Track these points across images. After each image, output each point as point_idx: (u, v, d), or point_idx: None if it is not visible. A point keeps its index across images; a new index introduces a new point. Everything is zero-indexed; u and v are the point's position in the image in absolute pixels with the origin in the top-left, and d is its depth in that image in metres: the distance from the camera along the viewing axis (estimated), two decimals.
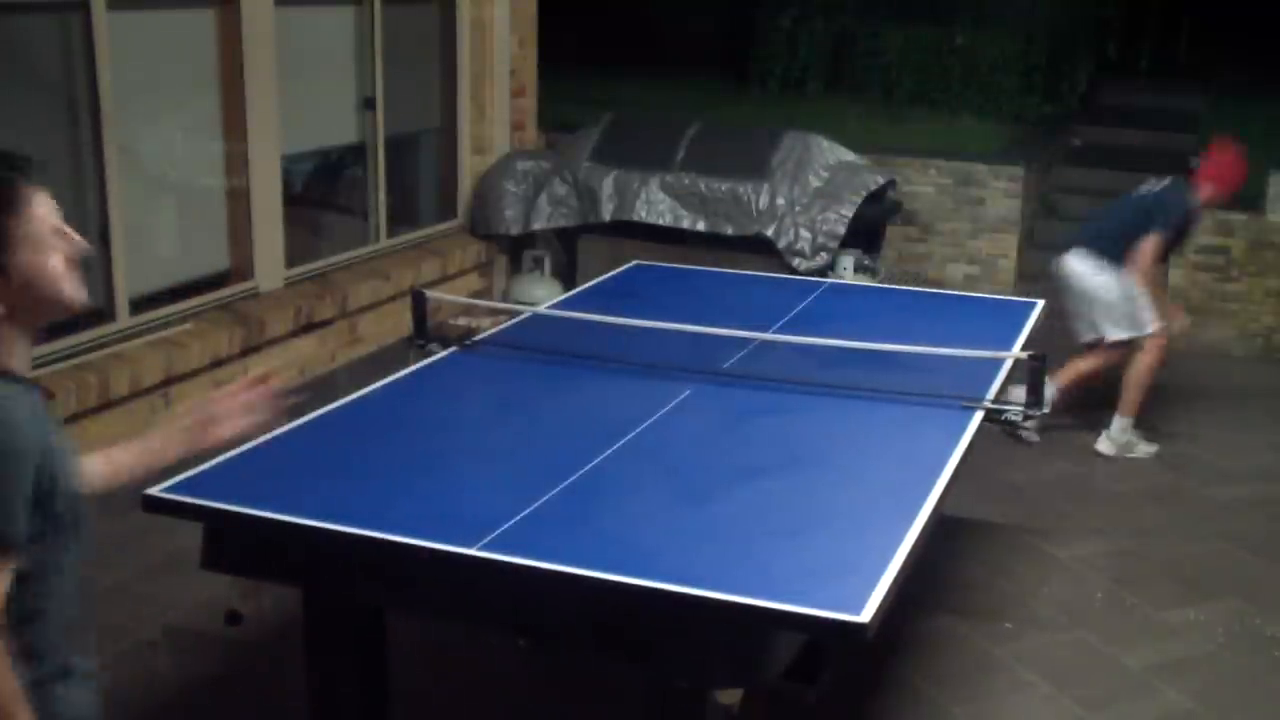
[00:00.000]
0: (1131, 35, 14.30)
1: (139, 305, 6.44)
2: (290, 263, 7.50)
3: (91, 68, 6.05)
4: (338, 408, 4.13)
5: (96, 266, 6.23)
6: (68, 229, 2.32)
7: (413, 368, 4.60)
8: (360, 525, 3.18)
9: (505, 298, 9.01)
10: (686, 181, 8.53)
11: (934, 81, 12.39)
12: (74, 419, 5.69)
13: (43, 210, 2.27)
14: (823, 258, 8.18)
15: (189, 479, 3.37)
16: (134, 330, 6.35)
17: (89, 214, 6.18)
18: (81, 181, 6.14)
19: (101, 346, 6.14)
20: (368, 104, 8.26)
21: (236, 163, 7.12)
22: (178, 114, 6.90)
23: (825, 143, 8.67)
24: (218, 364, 6.63)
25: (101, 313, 6.26)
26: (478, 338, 4.99)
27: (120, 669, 4.51)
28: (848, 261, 8.27)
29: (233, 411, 3.02)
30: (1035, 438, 6.84)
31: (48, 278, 2.28)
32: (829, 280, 6.72)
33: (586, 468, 3.62)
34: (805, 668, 2.99)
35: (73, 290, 2.33)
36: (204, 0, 6.88)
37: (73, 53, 6.07)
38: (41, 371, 5.68)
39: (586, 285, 6.05)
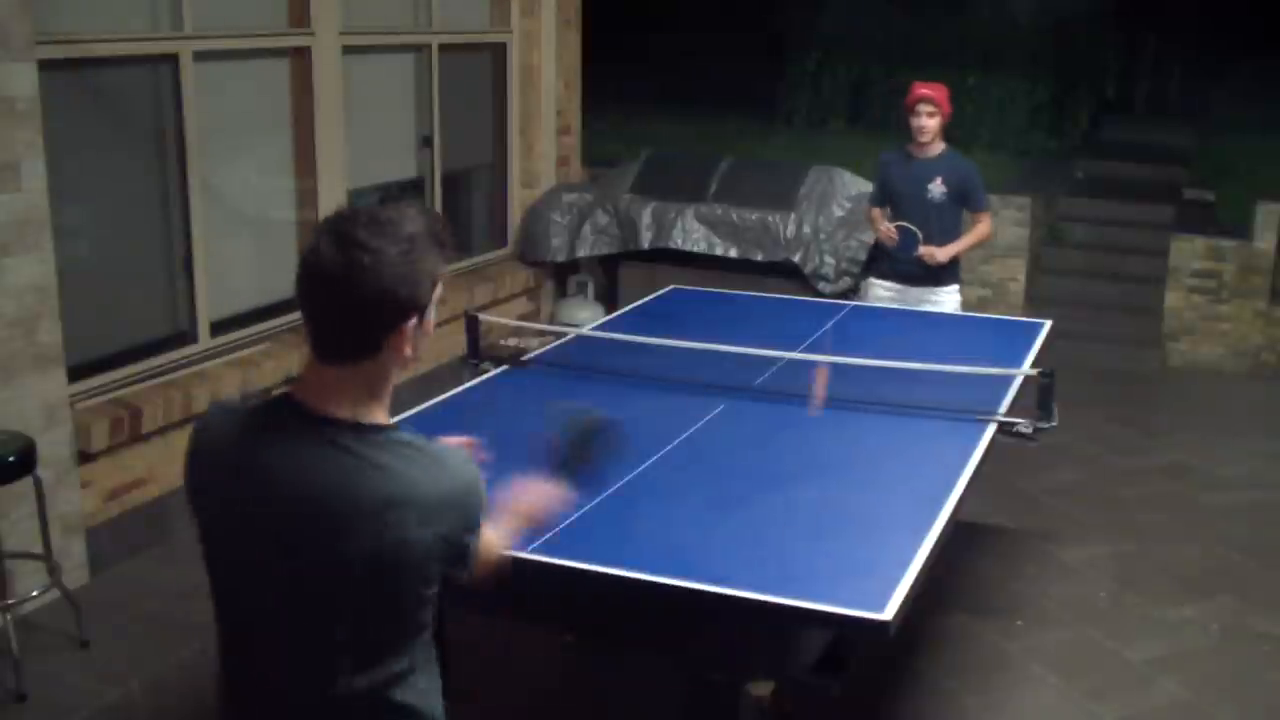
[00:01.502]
0: (1128, 76, 14.27)
1: (219, 328, 6.47)
2: None
3: (179, 113, 6.09)
4: (398, 421, 4.12)
5: (181, 292, 6.28)
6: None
7: (467, 385, 4.61)
8: None
9: (552, 320, 9.01)
10: (719, 212, 8.52)
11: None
12: (160, 432, 5.72)
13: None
14: (846, 282, 8.15)
15: None
16: (214, 351, 6.37)
17: (174, 245, 6.22)
18: (168, 215, 6.19)
19: (185, 366, 6.16)
20: (426, 142, 8.29)
21: (307, 197, 7.15)
22: (255, 153, 6.94)
23: (847, 175, 8.64)
24: (290, 382, 6.65)
25: (185, 335, 6.30)
26: (527, 357, 5.00)
27: (200, 667, 4.52)
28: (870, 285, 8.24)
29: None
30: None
31: (425, 346, 2.18)
32: (851, 303, 6.70)
33: (629, 477, 3.61)
34: (831, 661, 2.98)
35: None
36: (279, 50, 6.92)
37: (163, 100, 6.12)
38: (131, 389, 5.72)
39: (627, 308, 6.04)
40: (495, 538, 2.35)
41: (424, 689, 2.23)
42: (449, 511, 2.09)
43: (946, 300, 6.51)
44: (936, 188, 6.36)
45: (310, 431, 2.08)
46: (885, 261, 6.64)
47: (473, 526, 2.15)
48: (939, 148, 6.43)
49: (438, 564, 2.10)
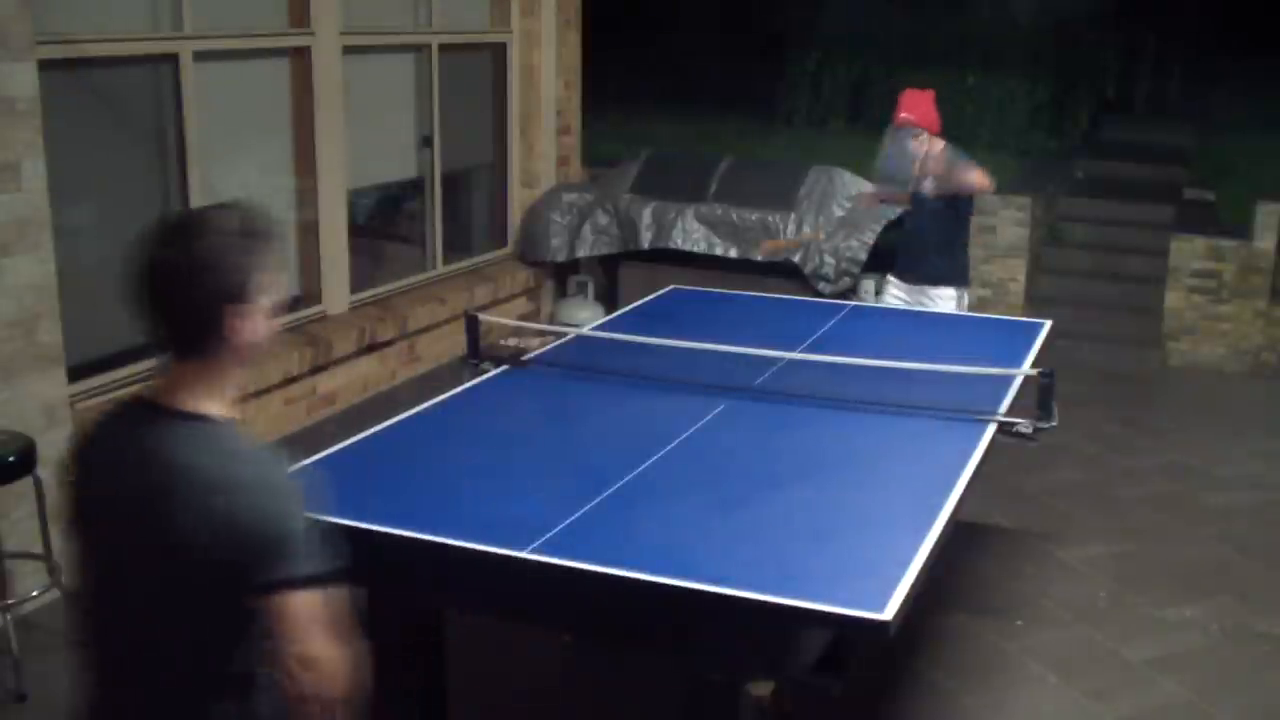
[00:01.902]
0: (1128, 76, 14.27)
1: None
2: (355, 288, 7.54)
3: (179, 113, 6.10)
4: (398, 421, 4.13)
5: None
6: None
7: (467, 385, 4.60)
8: (420, 530, 3.18)
9: (552, 320, 9.02)
10: (719, 212, 8.52)
11: (947, 119, 12.30)
12: None
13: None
14: (845, 282, 8.16)
15: None
16: None
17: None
18: (168, 214, 6.19)
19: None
20: (426, 142, 8.30)
21: (307, 197, 7.16)
22: (255, 153, 6.94)
23: (847, 175, 8.65)
24: (289, 381, 6.66)
25: None
26: (527, 357, 5.00)
27: None
28: (869, 285, 8.25)
29: None
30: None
31: (271, 326, 2.26)
32: (851, 303, 6.69)
33: (629, 477, 3.61)
34: (831, 661, 2.97)
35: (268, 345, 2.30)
36: (279, 50, 6.92)
37: (163, 100, 6.12)
38: (134, 389, 5.72)
39: (627, 308, 6.04)
40: (322, 615, 2.16)
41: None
42: (244, 512, 2.10)
43: (948, 303, 6.49)
44: (928, 184, 6.39)
45: (148, 424, 2.20)
46: (901, 263, 6.66)
47: (273, 549, 2.10)
48: (938, 146, 6.45)
49: (226, 574, 2.11)
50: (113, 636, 2.27)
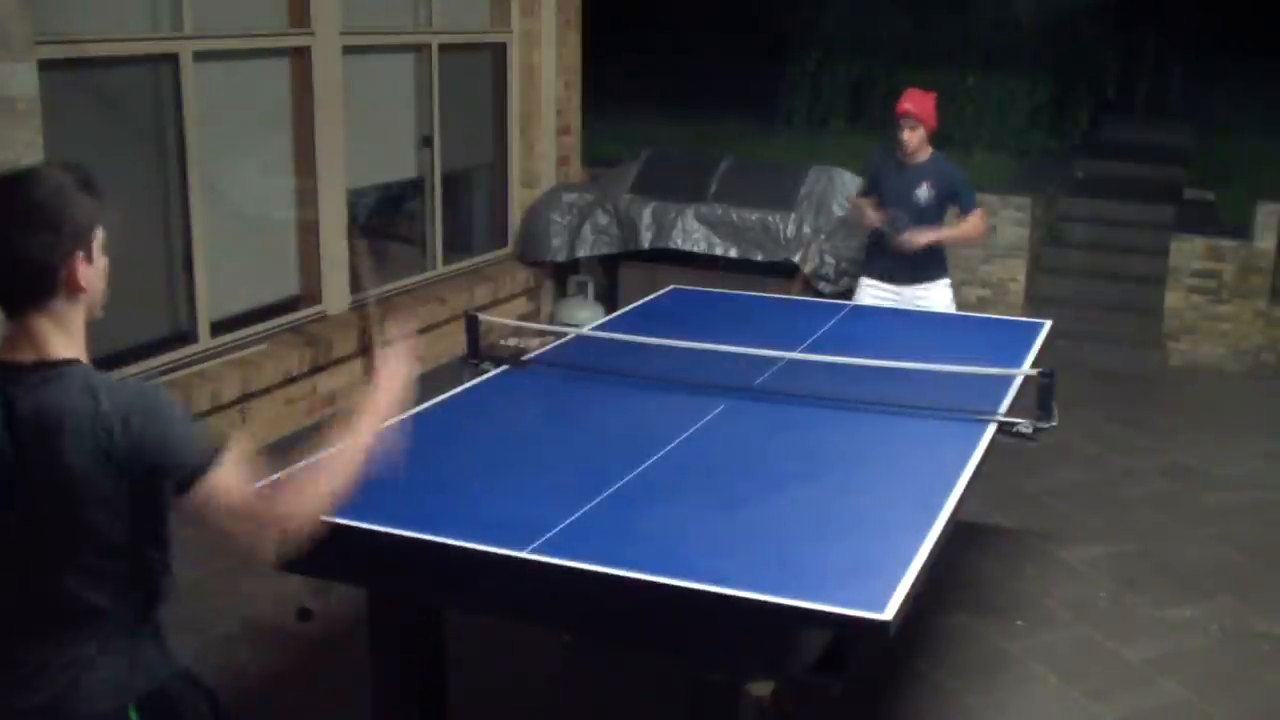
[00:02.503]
0: (1128, 76, 14.27)
1: (219, 328, 6.47)
2: (355, 288, 7.53)
3: (179, 113, 6.10)
4: (399, 421, 4.13)
5: (180, 292, 6.28)
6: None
7: (467, 385, 4.60)
8: (420, 530, 3.18)
9: (552, 320, 9.01)
10: (719, 212, 8.52)
11: (947, 119, 12.32)
12: None
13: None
14: (846, 282, 8.15)
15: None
16: (214, 351, 6.38)
17: (174, 245, 6.23)
18: (168, 215, 6.19)
19: (185, 365, 6.17)
20: (426, 142, 8.30)
21: (307, 197, 7.16)
22: (254, 153, 6.94)
23: (847, 175, 8.65)
24: (290, 381, 6.66)
25: (185, 335, 6.30)
26: (527, 357, 4.99)
27: (205, 658, 4.52)
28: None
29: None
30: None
31: (103, 280, 2.32)
32: (851, 303, 6.70)
33: (629, 477, 3.61)
34: (831, 661, 2.97)
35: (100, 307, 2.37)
36: (279, 50, 6.92)
37: (163, 100, 6.12)
38: None
39: (627, 308, 6.04)
40: (241, 475, 2.31)
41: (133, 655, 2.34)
42: (146, 430, 2.19)
43: (937, 296, 6.60)
44: (924, 192, 6.47)
45: (12, 383, 2.22)
46: (876, 262, 6.71)
47: (182, 450, 2.23)
48: (926, 153, 6.54)
49: (142, 491, 2.22)
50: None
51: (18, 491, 2.19)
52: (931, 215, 6.52)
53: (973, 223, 6.62)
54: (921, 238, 6.41)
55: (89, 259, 2.24)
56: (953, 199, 6.58)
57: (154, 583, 2.34)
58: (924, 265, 6.54)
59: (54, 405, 2.17)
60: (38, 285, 2.21)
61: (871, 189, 6.76)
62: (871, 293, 6.67)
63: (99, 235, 2.27)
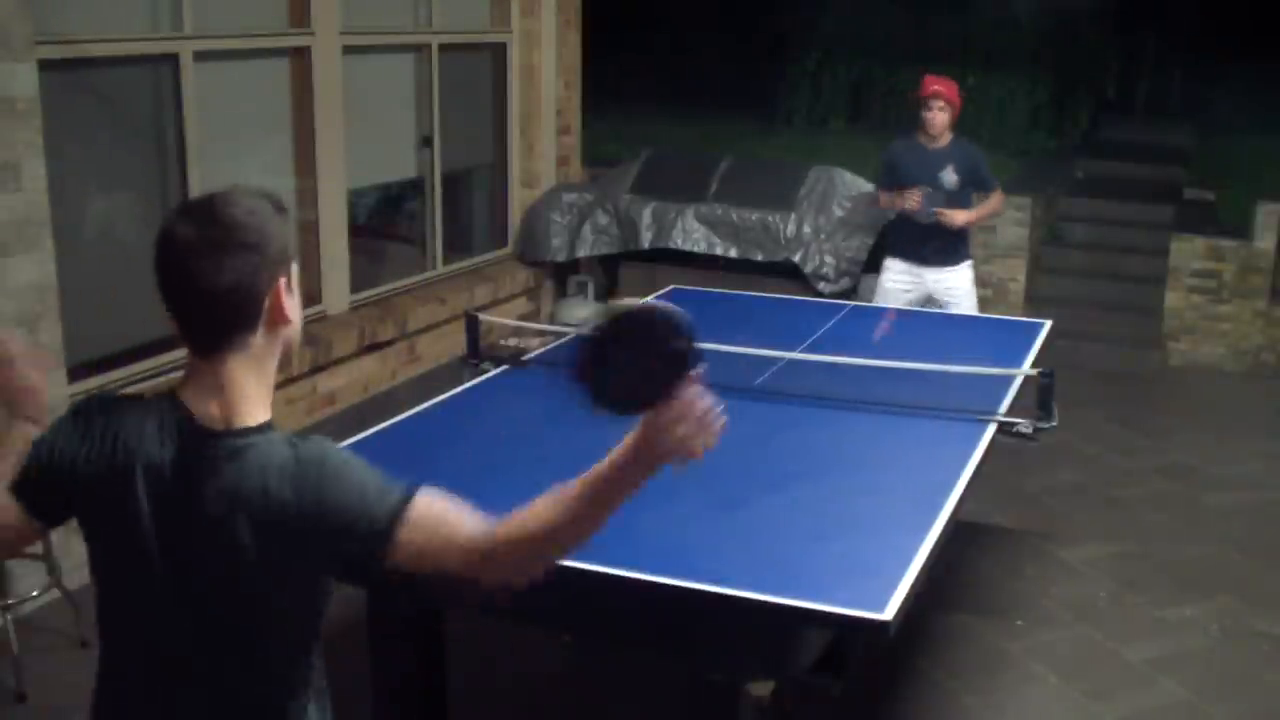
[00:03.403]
0: (1128, 76, 14.28)
1: None
2: (355, 288, 7.53)
3: (179, 113, 6.10)
4: (399, 421, 4.13)
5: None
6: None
7: (467, 385, 4.60)
8: None
9: (552, 320, 9.02)
10: (719, 212, 8.52)
11: None
12: None
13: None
14: (846, 282, 8.16)
15: None
16: None
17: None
18: (168, 214, 6.19)
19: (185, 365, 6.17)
20: (426, 142, 8.30)
21: (307, 197, 7.16)
22: (255, 153, 6.94)
23: (848, 175, 8.65)
24: (289, 381, 6.66)
25: None
26: (527, 357, 5.00)
27: None
28: (870, 285, 8.24)
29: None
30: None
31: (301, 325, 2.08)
32: (852, 303, 6.70)
33: None
34: (831, 661, 2.98)
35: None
36: (279, 50, 6.92)
37: (163, 100, 6.12)
38: (138, 387, 5.72)
39: None
40: (461, 513, 2.06)
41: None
42: (326, 501, 1.95)
43: (961, 278, 6.79)
44: (949, 175, 6.64)
45: (197, 453, 1.98)
46: (902, 245, 6.86)
47: (344, 500, 1.95)
48: (948, 137, 6.71)
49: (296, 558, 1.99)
50: (168, 637, 2.08)
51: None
52: (957, 198, 6.69)
53: (995, 200, 6.93)
54: (959, 218, 6.62)
55: (290, 288, 2.00)
56: (976, 179, 6.78)
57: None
58: (950, 247, 6.75)
59: (232, 488, 1.94)
60: (239, 316, 1.95)
61: (892, 180, 6.84)
62: (893, 276, 6.87)
63: (295, 266, 2.02)
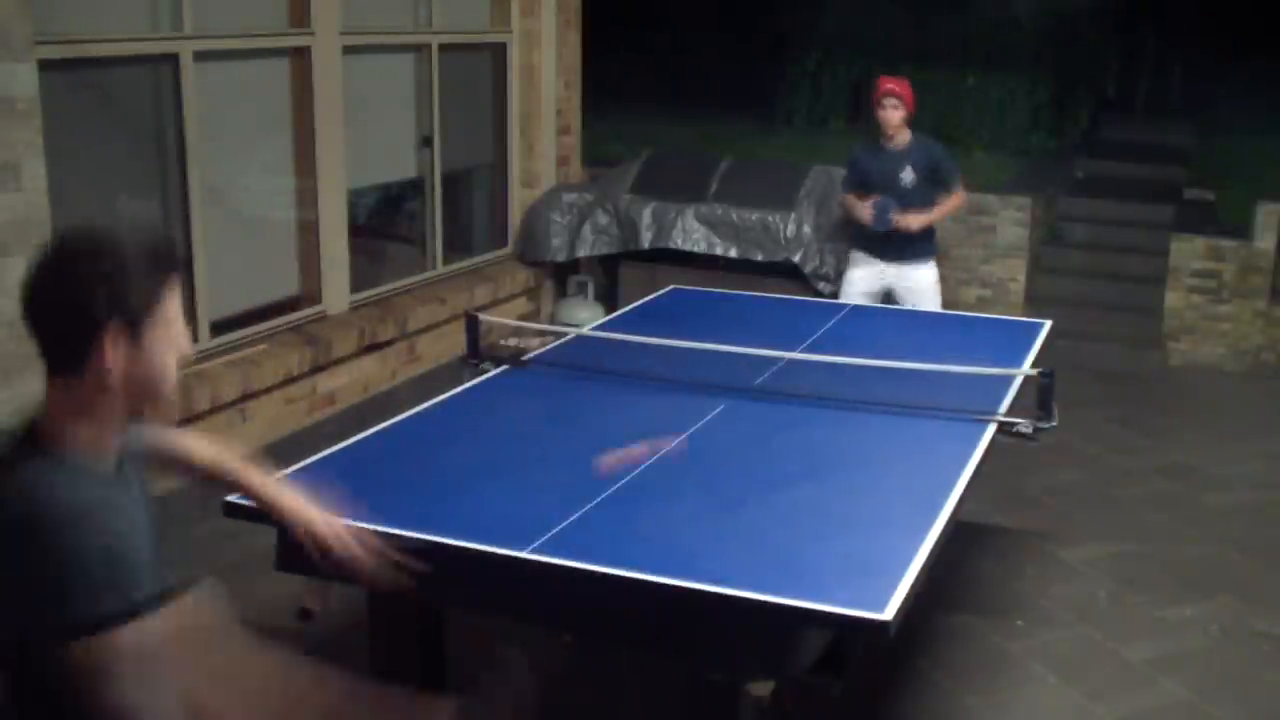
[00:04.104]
0: (1128, 76, 14.28)
1: (218, 328, 6.47)
2: (355, 288, 7.53)
3: (179, 112, 6.10)
4: (399, 422, 4.13)
5: (180, 292, 6.27)
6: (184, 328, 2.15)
7: (467, 385, 4.60)
8: (420, 529, 3.18)
9: (552, 320, 9.01)
10: (719, 212, 8.52)
11: (947, 119, 12.37)
12: None
13: (178, 301, 2.11)
14: None
15: None
16: (214, 351, 6.37)
17: (174, 244, 6.22)
18: (168, 214, 6.19)
19: (184, 366, 6.16)
20: (426, 142, 8.29)
21: (307, 197, 7.16)
22: (254, 153, 6.94)
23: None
24: (289, 381, 6.65)
25: None
26: (527, 357, 5.00)
27: None
28: None
29: (333, 540, 2.80)
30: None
31: (165, 363, 2.10)
32: (851, 303, 6.70)
33: (629, 477, 3.61)
34: (831, 661, 2.98)
35: (170, 389, 2.15)
36: (279, 50, 6.92)
37: (163, 100, 6.12)
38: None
39: (627, 308, 6.04)
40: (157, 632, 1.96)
41: None
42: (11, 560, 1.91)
43: (923, 275, 6.97)
44: (908, 175, 6.83)
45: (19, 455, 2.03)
46: (863, 240, 7.06)
47: (40, 599, 1.89)
48: (906, 136, 6.89)
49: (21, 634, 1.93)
50: None
51: None
52: (917, 197, 6.84)
53: (954, 200, 7.01)
54: (914, 223, 6.76)
55: (118, 338, 2.04)
56: (937, 176, 6.90)
57: None
58: (912, 245, 6.90)
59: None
60: (53, 350, 2.07)
61: (854, 182, 7.07)
62: (857, 270, 7.09)
63: (148, 314, 2.07)
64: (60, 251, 2.03)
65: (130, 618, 1.92)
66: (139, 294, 2.03)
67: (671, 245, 8.53)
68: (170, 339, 2.09)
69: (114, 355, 2.01)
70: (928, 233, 6.96)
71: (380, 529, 3.17)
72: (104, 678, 1.86)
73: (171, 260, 2.11)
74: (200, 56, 6.16)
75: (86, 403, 2.05)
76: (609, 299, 8.95)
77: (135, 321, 2.03)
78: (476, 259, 8.87)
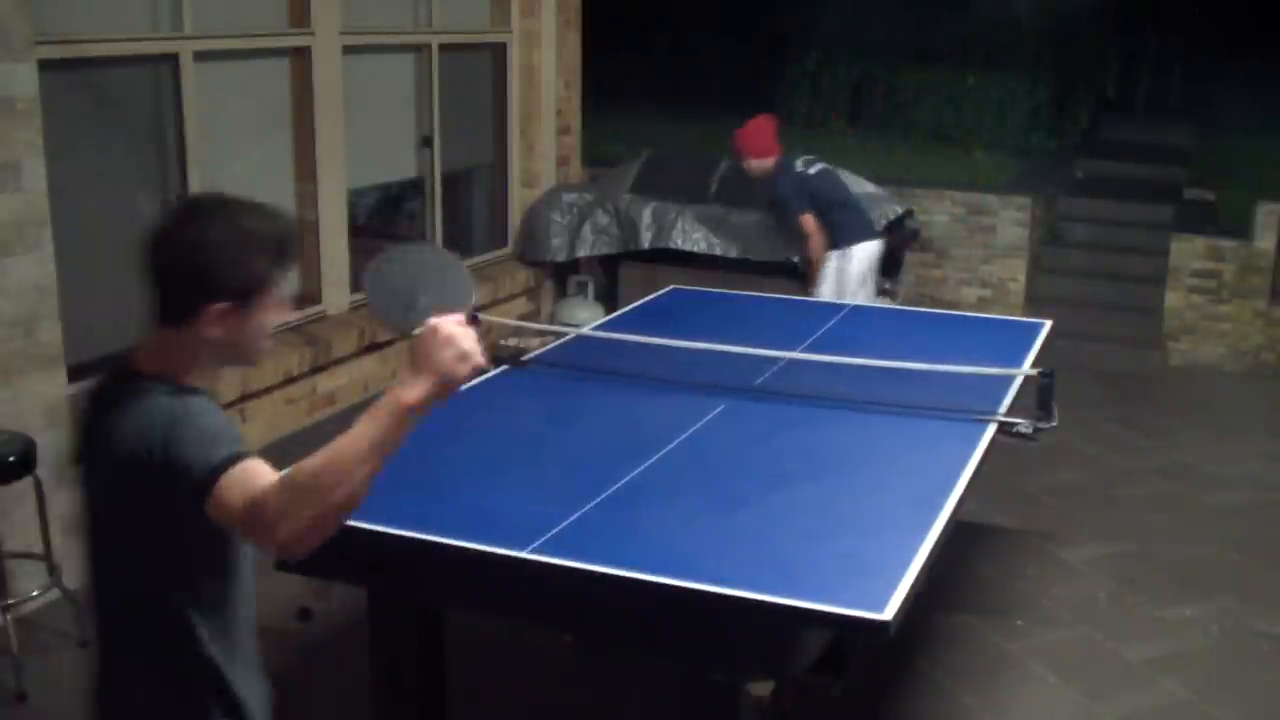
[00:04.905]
0: (1128, 76, 14.27)
1: None
2: (355, 288, 7.53)
3: (179, 112, 6.10)
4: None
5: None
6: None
7: (467, 385, 4.59)
8: (420, 530, 3.18)
9: (552, 320, 9.01)
10: (719, 212, 8.52)
11: (948, 119, 12.37)
12: None
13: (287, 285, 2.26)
14: None
15: None
16: None
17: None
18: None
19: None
20: (426, 142, 8.29)
21: (307, 197, 7.16)
22: (255, 153, 6.94)
23: (848, 175, 8.64)
24: (289, 381, 6.65)
25: None
26: (527, 357, 5.00)
27: None
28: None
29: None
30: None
31: (263, 334, 2.25)
32: (852, 303, 6.69)
33: (629, 476, 3.61)
34: (831, 661, 2.98)
35: (261, 359, 2.33)
36: (279, 50, 6.92)
37: (163, 100, 6.12)
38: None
39: (627, 308, 6.04)
40: (262, 471, 2.10)
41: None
42: (147, 439, 2.09)
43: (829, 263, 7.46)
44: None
45: (125, 388, 2.17)
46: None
47: (178, 449, 2.06)
48: (768, 172, 7.55)
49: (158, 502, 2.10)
50: (97, 601, 2.30)
51: None
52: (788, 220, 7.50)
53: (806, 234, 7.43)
54: (815, 276, 7.42)
55: (238, 312, 2.23)
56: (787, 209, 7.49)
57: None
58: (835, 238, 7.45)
59: (113, 420, 2.16)
60: (167, 309, 2.22)
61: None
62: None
63: (268, 296, 2.26)
64: (195, 215, 2.18)
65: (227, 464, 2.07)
66: (256, 275, 2.17)
67: (671, 245, 8.53)
68: (272, 318, 2.24)
69: (217, 326, 2.15)
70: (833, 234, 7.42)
71: (382, 530, 3.17)
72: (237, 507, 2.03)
73: (292, 247, 2.24)
74: (200, 56, 6.17)
75: (179, 352, 2.19)
76: (609, 299, 8.94)
77: (246, 300, 2.16)
78: (476, 259, 8.87)
